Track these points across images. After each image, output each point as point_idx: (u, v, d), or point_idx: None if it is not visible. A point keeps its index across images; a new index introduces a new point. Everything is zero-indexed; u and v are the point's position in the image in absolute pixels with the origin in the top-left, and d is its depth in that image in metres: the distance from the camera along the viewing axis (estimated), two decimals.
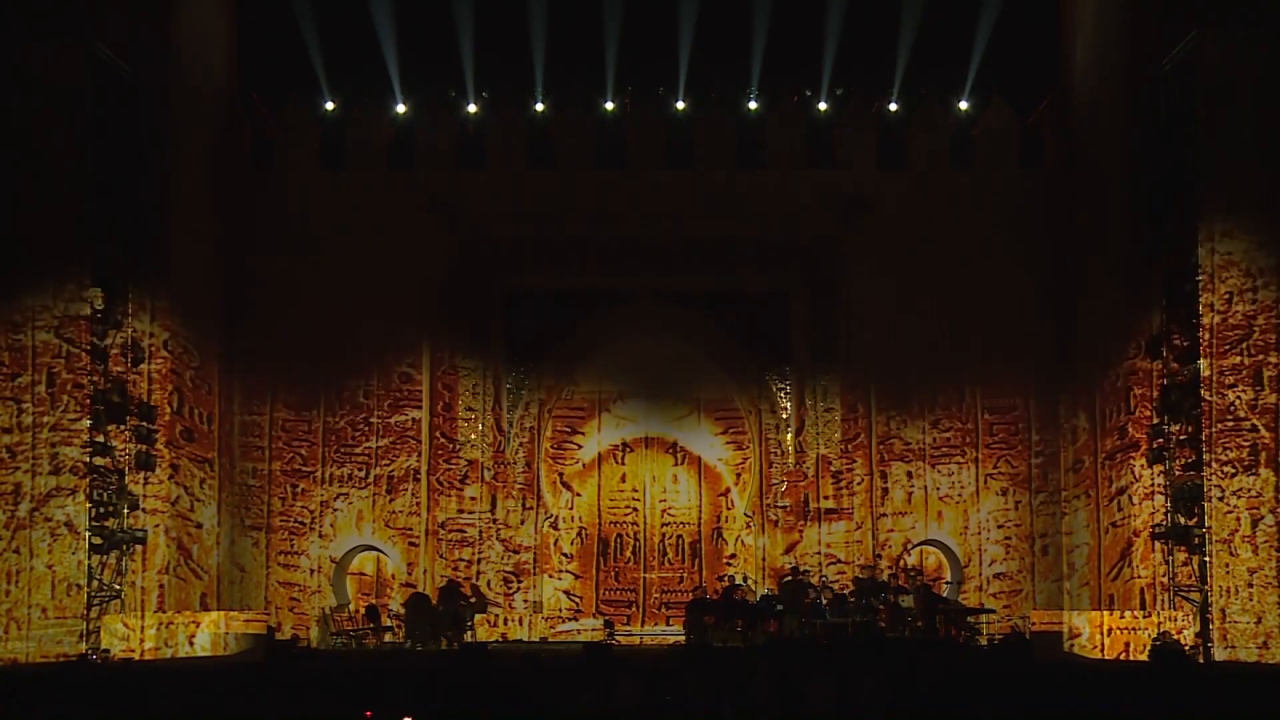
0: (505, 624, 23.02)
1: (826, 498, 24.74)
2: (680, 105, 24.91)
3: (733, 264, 24.96)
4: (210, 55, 23.88)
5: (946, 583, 24.41)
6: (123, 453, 20.72)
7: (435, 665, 18.66)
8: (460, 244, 24.93)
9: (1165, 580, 20.49)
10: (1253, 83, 19.71)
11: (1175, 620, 19.76)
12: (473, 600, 23.52)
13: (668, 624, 24.41)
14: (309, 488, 24.70)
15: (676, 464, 25.31)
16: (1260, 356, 19.28)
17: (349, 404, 24.82)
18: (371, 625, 23.59)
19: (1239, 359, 19.38)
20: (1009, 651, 21.01)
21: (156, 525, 21.54)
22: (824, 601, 22.44)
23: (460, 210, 24.88)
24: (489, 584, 24.43)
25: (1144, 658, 19.56)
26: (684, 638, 22.71)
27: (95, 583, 19.87)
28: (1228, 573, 19.08)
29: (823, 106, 24.91)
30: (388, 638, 23.53)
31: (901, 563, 24.33)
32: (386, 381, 24.88)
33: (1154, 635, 19.56)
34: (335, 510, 24.68)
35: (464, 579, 24.04)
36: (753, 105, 24.94)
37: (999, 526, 24.63)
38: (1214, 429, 19.32)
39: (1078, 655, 21.67)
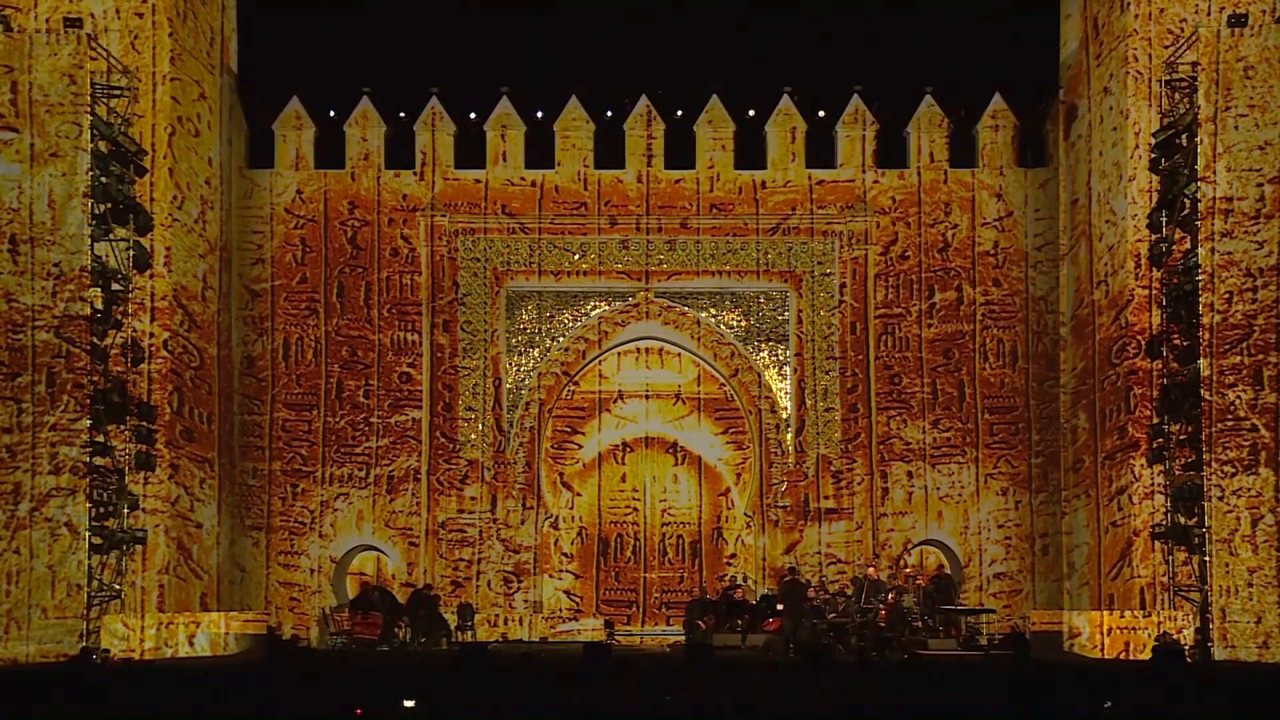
0: (505, 624, 23.01)
1: (826, 498, 24.75)
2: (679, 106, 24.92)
3: (733, 263, 24.99)
4: (210, 55, 23.86)
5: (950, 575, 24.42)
6: (123, 453, 20.65)
7: (435, 665, 18.62)
8: (460, 244, 25.00)
9: (1165, 580, 20.48)
10: (1253, 82, 19.68)
11: (1175, 620, 19.74)
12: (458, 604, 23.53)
13: (668, 624, 24.42)
14: (309, 488, 24.70)
15: (676, 464, 25.32)
16: (1260, 356, 19.24)
17: (349, 404, 24.84)
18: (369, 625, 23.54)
19: (1239, 359, 19.34)
20: (1009, 651, 20.99)
21: (156, 525, 21.54)
22: (821, 601, 22.44)
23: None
24: (489, 584, 24.45)
25: (1144, 657, 19.54)
26: (684, 638, 22.71)
27: (95, 583, 19.80)
28: (1228, 572, 19.05)
29: (822, 108, 24.95)
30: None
31: (901, 563, 24.32)
32: (387, 381, 24.89)
33: (1154, 635, 19.54)
34: (335, 510, 24.68)
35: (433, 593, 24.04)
36: (752, 105, 24.95)
37: (999, 526, 24.63)
38: (1214, 429, 19.28)
39: (1078, 655, 21.65)
